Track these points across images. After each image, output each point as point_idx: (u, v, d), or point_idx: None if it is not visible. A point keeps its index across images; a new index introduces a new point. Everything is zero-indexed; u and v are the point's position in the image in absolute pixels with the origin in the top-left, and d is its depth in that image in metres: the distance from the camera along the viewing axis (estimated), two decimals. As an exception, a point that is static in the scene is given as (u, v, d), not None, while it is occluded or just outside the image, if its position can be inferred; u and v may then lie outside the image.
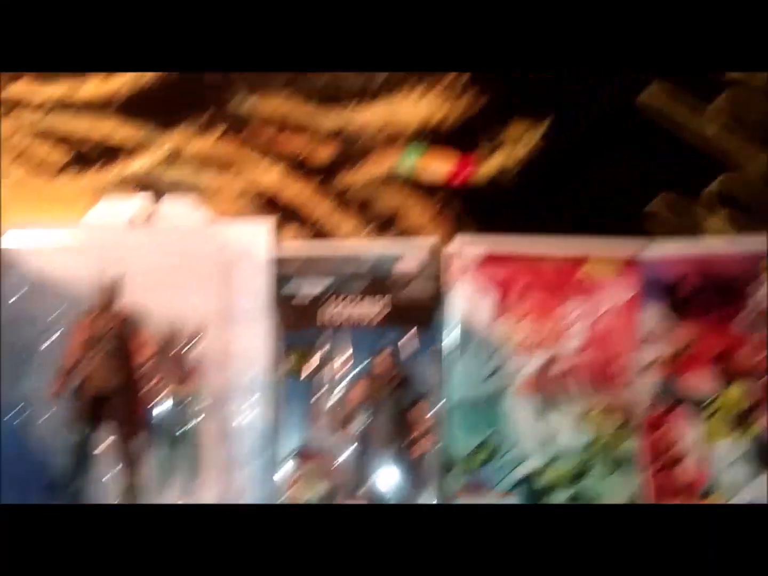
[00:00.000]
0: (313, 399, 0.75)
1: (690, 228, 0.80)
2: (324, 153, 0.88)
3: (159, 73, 0.87)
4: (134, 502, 0.73)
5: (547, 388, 0.74)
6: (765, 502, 0.69)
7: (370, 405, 0.74)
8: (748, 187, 0.79)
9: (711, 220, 0.80)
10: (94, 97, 0.90)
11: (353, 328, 0.75)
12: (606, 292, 0.75)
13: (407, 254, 0.76)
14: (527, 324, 0.75)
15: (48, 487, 0.73)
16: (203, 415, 0.75)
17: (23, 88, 0.90)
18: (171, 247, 0.76)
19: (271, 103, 0.88)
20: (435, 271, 0.76)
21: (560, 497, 0.73)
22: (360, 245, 0.80)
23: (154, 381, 0.75)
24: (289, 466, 0.74)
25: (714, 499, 0.71)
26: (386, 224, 0.86)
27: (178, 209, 0.79)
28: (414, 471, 0.73)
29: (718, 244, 0.76)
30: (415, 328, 0.75)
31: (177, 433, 0.74)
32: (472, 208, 0.85)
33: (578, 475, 0.73)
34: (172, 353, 0.75)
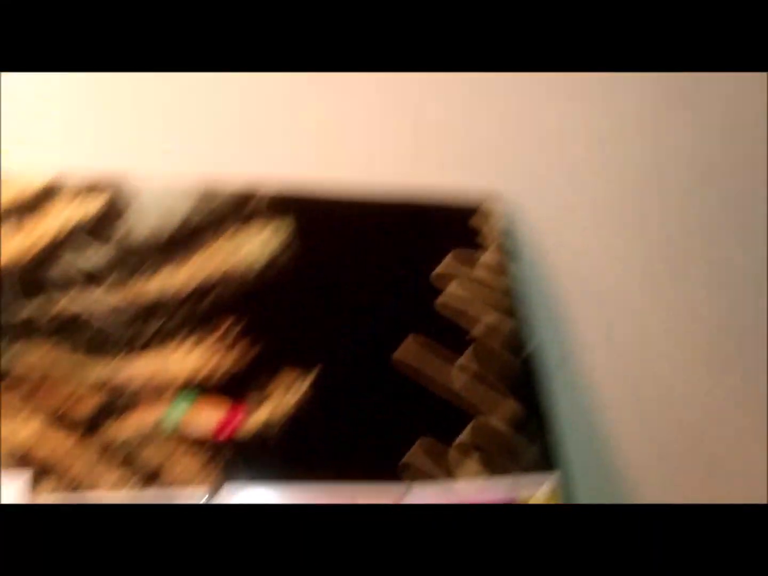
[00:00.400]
0: None
1: (445, 472, 0.86)
2: (88, 405, 0.86)
3: None
4: None
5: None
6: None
7: None
8: (496, 432, 0.88)
9: (465, 463, 0.87)
10: None
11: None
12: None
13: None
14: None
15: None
16: None
17: None
18: None
19: (35, 353, 0.86)
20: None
21: None
22: (123, 497, 0.77)
23: None
24: None
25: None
26: (152, 476, 0.84)
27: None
28: None
29: (471, 487, 0.83)
30: None
31: None
32: (240, 458, 0.86)
33: None
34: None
